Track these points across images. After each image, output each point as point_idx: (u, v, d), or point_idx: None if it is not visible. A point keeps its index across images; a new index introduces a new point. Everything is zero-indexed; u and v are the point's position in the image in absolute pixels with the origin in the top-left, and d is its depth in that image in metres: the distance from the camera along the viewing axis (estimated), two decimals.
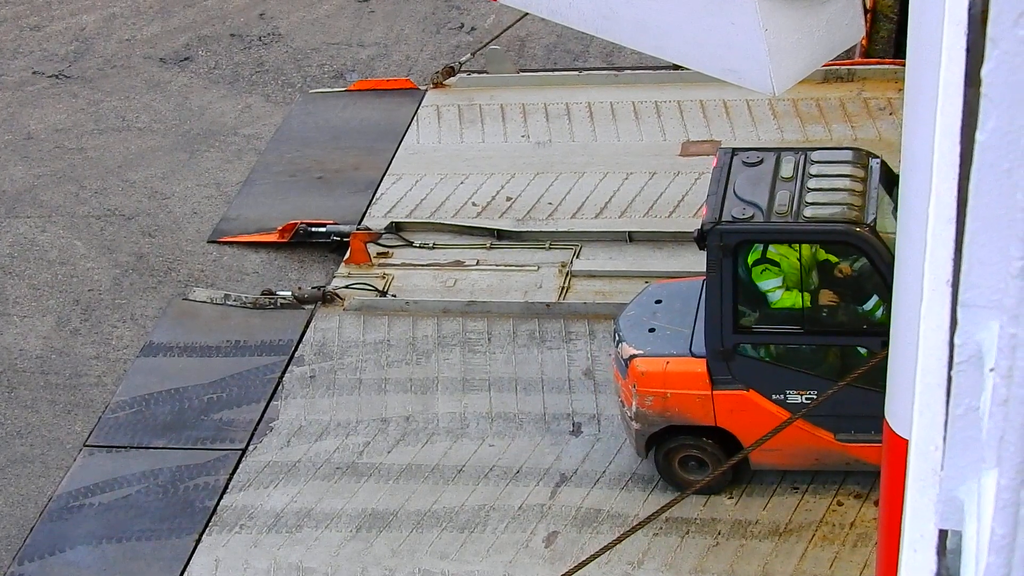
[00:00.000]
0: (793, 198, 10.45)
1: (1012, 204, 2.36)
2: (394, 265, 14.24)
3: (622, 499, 11.49)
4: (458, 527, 11.47)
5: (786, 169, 10.67)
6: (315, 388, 13.03)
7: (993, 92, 2.39)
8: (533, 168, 15.20)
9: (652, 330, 11.21)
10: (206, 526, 11.84)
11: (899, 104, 15.10)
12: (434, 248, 14.32)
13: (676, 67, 15.02)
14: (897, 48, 15.62)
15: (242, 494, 12.08)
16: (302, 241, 14.87)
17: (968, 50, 3.66)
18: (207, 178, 16.14)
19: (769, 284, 10.56)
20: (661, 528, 11.09)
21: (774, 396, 10.84)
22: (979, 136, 2.41)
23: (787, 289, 10.56)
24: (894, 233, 10.64)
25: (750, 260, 10.58)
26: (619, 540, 10.09)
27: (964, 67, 3.62)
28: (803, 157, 10.80)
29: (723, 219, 10.41)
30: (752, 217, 10.40)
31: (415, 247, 14.38)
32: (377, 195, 15.12)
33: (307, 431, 12.58)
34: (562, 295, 13.46)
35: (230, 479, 12.23)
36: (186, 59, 18.56)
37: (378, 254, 14.34)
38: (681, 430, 11.15)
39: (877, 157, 10.89)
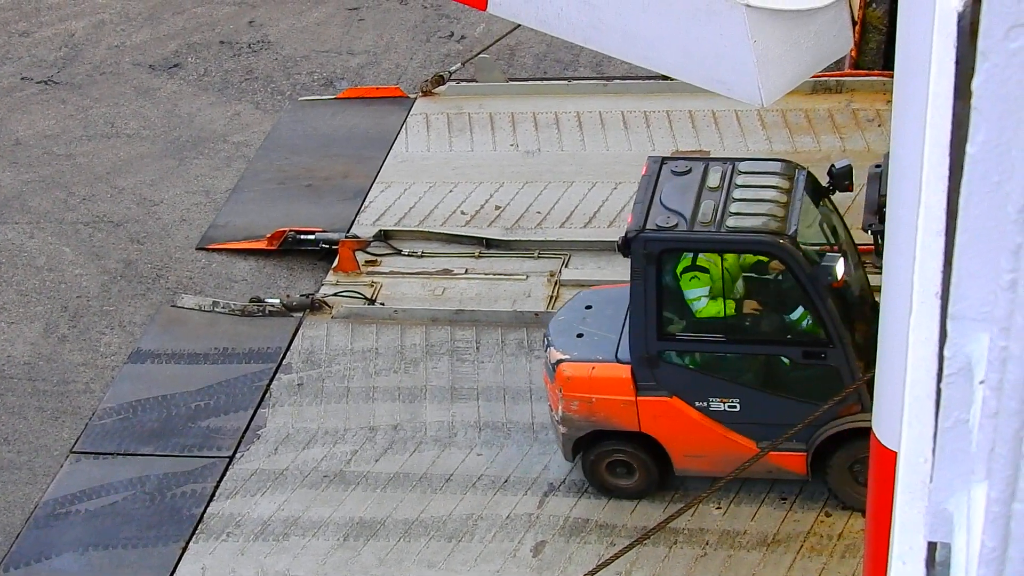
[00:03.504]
0: (717, 208, 10.58)
1: (1002, 216, 2.37)
2: (383, 273, 14.23)
3: (610, 509, 11.49)
4: (446, 536, 11.46)
5: (713, 179, 10.79)
6: (303, 396, 13.01)
7: (983, 104, 2.39)
8: (522, 177, 15.20)
9: (580, 335, 11.34)
10: (193, 534, 11.82)
11: (887, 115, 15.10)
12: (423, 256, 14.32)
13: (665, 77, 15.03)
14: (886, 59, 15.65)
15: (229, 502, 12.06)
16: (291, 249, 14.85)
17: (957, 62, 3.67)
18: (196, 185, 16.12)
19: (695, 293, 10.69)
20: (649, 538, 11.08)
21: (698, 403, 10.97)
22: (969, 149, 2.42)
23: (713, 298, 10.66)
24: (815, 244, 10.76)
25: (679, 268, 10.69)
26: (616, 557, 10.10)
27: (953, 79, 3.63)
28: (731, 167, 10.92)
29: (647, 227, 10.57)
30: (676, 226, 10.54)
31: (404, 255, 14.38)
32: (366, 203, 15.11)
33: (295, 439, 12.56)
34: (551, 304, 13.45)
35: (217, 487, 12.21)
36: (175, 66, 18.54)
37: (366, 262, 14.33)
38: (607, 435, 11.25)
39: (804, 169, 11.03)
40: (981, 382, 2.39)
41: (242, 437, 12.67)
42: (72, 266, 15.20)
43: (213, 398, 13.15)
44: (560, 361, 11.19)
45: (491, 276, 13.96)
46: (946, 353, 2.52)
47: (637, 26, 8.84)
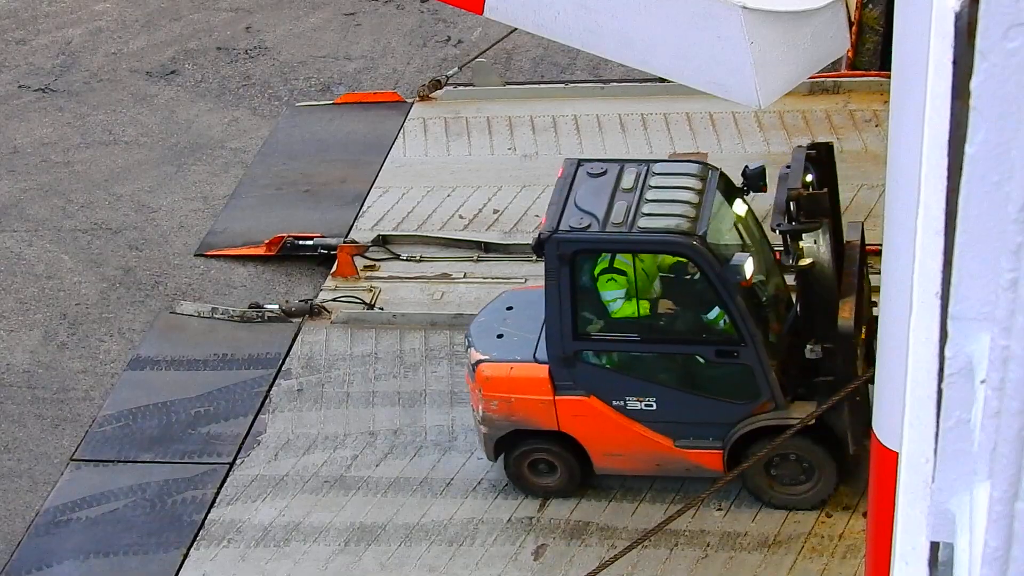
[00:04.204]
0: (630, 209, 10.68)
1: (1002, 216, 2.37)
2: (381, 278, 14.23)
3: (610, 512, 11.49)
4: (447, 540, 11.46)
5: (627, 180, 10.92)
6: (303, 401, 13.01)
7: (982, 104, 2.39)
8: (520, 180, 15.21)
9: (500, 336, 11.46)
10: (194, 540, 11.81)
11: (885, 116, 15.13)
12: (421, 261, 14.32)
13: (662, 80, 15.04)
14: (883, 60, 15.66)
15: (230, 508, 12.05)
16: (289, 254, 14.85)
17: (955, 62, 3.67)
18: (194, 191, 16.13)
19: (612, 295, 10.79)
20: (650, 540, 11.07)
21: (615, 402, 11.07)
22: (968, 149, 2.42)
23: (629, 299, 10.76)
24: (727, 243, 10.87)
25: (597, 270, 10.78)
26: (616, 558, 10.09)
27: (951, 79, 3.63)
28: (645, 169, 11.05)
29: (560, 229, 10.67)
30: (589, 227, 10.65)
31: (402, 260, 14.38)
32: (364, 208, 15.12)
33: (295, 444, 12.56)
34: None
35: (217, 493, 12.21)
36: (172, 72, 18.54)
37: (365, 267, 14.33)
38: (528, 434, 11.36)
39: (717, 169, 11.13)
40: (982, 382, 2.39)
41: (242, 443, 12.67)
42: (71, 273, 15.20)
43: (213, 404, 13.14)
44: (479, 361, 11.30)
45: (489, 280, 13.96)
46: (947, 353, 2.53)
47: (634, 29, 8.84)
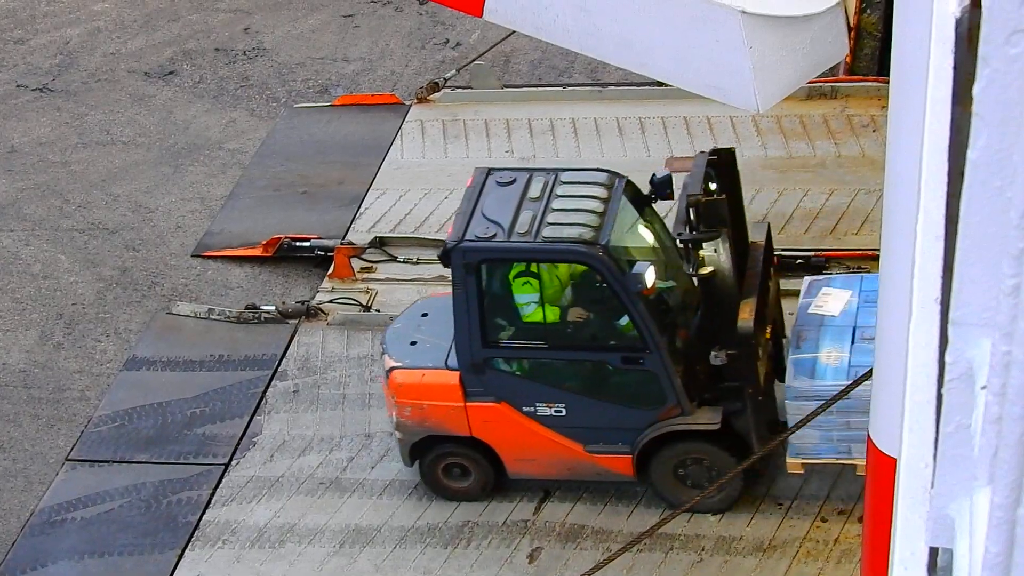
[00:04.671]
0: (536, 218, 10.81)
1: (1004, 222, 2.37)
2: (378, 280, 14.22)
3: (606, 515, 11.49)
4: (442, 543, 11.46)
5: (535, 190, 11.03)
6: (299, 403, 13.01)
7: (984, 110, 2.40)
8: None
9: (414, 343, 11.60)
10: (189, 541, 11.81)
11: (883, 121, 15.14)
12: (418, 263, 14.31)
13: (660, 83, 15.04)
14: (881, 65, 15.66)
15: (225, 509, 12.05)
16: (286, 255, 14.84)
17: (955, 68, 3.68)
18: (191, 192, 16.12)
19: (525, 298, 10.91)
20: (645, 544, 11.08)
21: (525, 408, 11.19)
22: (970, 154, 2.42)
23: (541, 304, 10.85)
24: (633, 252, 11.03)
25: (512, 273, 10.91)
26: (609, 560, 10.09)
27: (952, 85, 3.64)
28: (553, 177, 11.17)
29: (466, 238, 10.79)
30: (494, 236, 10.77)
31: (399, 262, 14.37)
32: (361, 210, 15.12)
33: (290, 446, 12.56)
34: None
35: (213, 494, 12.20)
36: (171, 73, 18.54)
37: (362, 269, 14.33)
38: (441, 440, 11.49)
39: (623, 178, 11.23)
40: (983, 387, 2.39)
41: (238, 444, 12.66)
42: (67, 273, 15.19)
43: (209, 405, 13.14)
44: (393, 368, 11.43)
45: None
46: (948, 358, 2.53)
47: (632, 32, 8.84)
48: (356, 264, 14.32)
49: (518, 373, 11.26)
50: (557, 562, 11.17)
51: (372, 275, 14.30)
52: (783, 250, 13.51)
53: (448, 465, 11.67)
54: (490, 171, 11.43)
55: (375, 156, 15.98)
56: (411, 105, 16.71)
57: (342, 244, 14.50)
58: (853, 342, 10.73)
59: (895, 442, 3.17)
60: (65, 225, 15.87)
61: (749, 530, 11.21)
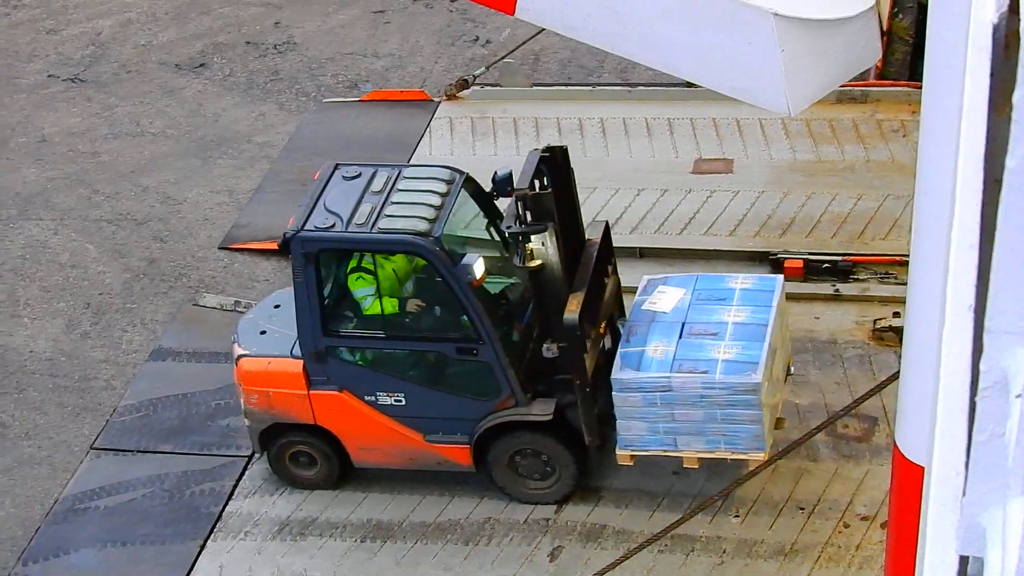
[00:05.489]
0: (374, 210, 11.11)
1: None
2: None
3: (627, 516, 11.48)
4: (463, 539, 11.47)
5: (377, 183, 11.36)
6: None
7: (1023, 118, 2.39)
8: None
9: (263, 332, 11.86)
10: (211, 532, 11.84)
11: (913, 126, 15.10)
12: None
13: (690, 84, 15.02)
14: (912, 70, 15.62)
15: (247, 501, 12.08)
16: None
17: (992, 75, 3.66)
18: (219, 185, 16.17)
19: (361, 292, 11.17)
20: (666, 545, 11.08)
21: (367, 397, 11.44)
22: (1009, 162, 2.41)
23: (379, 297, 11.13)
24: (471, 245, 11.40)
25: (349, 267, 11.18)
26: (626, 557, 10.10)
27: (988, 93, 3.63)
28: (396, 173, 11.52)
29: (305, 228, 11.08)
30: (332, 227, 11.05)
31: None
32: None
33: None
34: None
35: (235, 485, 12.24)
36: (201, 66, 18.59)
37: None
38: (288, 427, 11.74)
39: (464, 174, 11.60)
40: (1018, 396, 2.39)
41: None
42: (95, 263, 15.25)
43: (233, 397, 13.11)
44: (240, 356, 11.72)
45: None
46: (982, 367, 2.52)
47: (663, 33, 8.83)
48: None
49: (359, 362, 11.48)
50: (577, 561, 11.17)
51: None
52: (810, 254, 13.50)
53: (295, 453, 11.91)
54: (338, 165, 11.73)
55: (403, 152, 15.99)
56: (440, 102, 16.72)
57: None
58: (680, 337, 10.94)
59: (923, 450, 3.16)
60: (94, 215, 15.94)
61: (770, 533, 11.19)
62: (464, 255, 10.88)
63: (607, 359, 11.13)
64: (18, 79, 18.77)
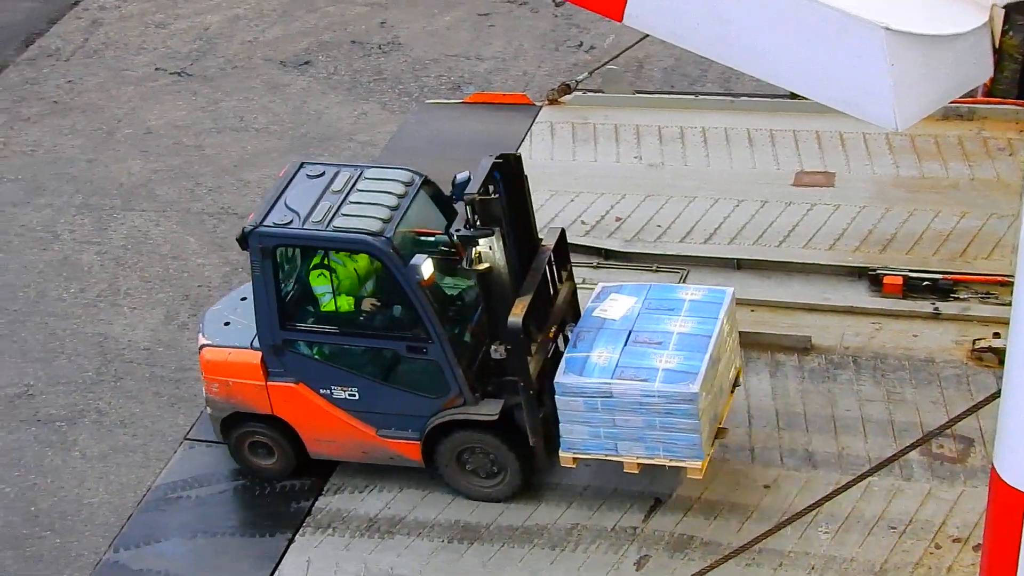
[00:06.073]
0: (332, 209, 11.38)
1: None
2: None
3: (716, 527, 11.41)
4: (549, 544, 11.46)
5: (338, 183, 11.65)
6: None
7: None
8: (644, 190, 15.16)
9: (228, 323, 12.21)
10: (299, 526, 11.92)
11: (1020, 145, 14.89)
12: None
13: (793, 96, 14.91)
14: (1021, 89, 15.40)
15: (337, 497, 12.15)
16: None
17: None
18: None
19: (321, 289, 11.49)
20: (754, 559, 11.00)
21: (322, 391, 11.71)
22: None
23: (337, 294, 11.44)
24: (422, 243, 11.68)
25: (311, 264, 11.52)
26: (711, 567, 10.04)
27: None
28: (359, 173, 11.81)
29: (264, 224, 11.37)
30: (290, 223, 11.33)
31: None
32: None
33: None
34: None
35: (326, 481, 12.31)
36: (306, 63, 18.75)
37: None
38: (247, 417, 12.05)
39: (423, 176, 11.89)
40: None
41: None
42: (195, 255, 15.43)
43: None
44: (203, 346, 12.08)
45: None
46: None
47: (771, 43, 8.75)
48: None
49: (315, 357, 11.75)
50: (664, 571, 11.11)
51: None
52: (912, 271, 13.34)
53: (254, 443, 12.18)
54: (303, 164, 12.02)
55: None
56: (542, 106, 16.73)
57: None
58: (626, 344, 11.13)
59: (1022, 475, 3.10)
60: (195, 208, 16.13)
61: (860, 551, 11.07)
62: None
63: (557, 363, 11.33)
64: (126, 71, 19.06)
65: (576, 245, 14.36)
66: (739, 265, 13.91)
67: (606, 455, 11.21)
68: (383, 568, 11.43)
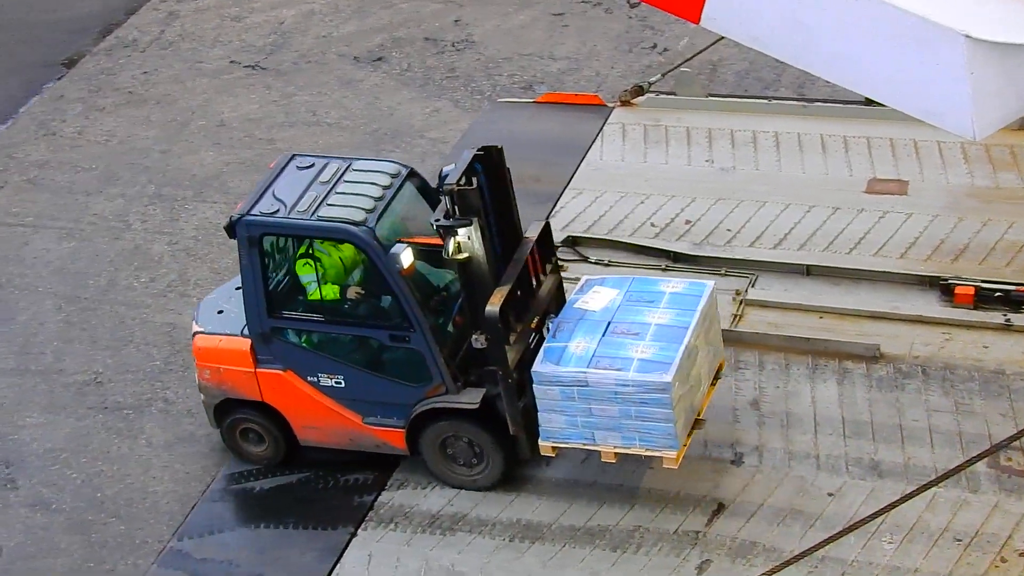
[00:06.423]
0: (318, 199, 11.64)
1: None
2: (568, 279, 14.22)
3: (779, 533, 11.35)
4: (611, 546, 11.44)
5: (326, 174, 11.92)
6: None
7: None
8: (714, 193, 15.11)
9: (221, 312, 12.47)
10: (362, 521, 11.97)
11: None
12: (609, 265, 14.30)
13: (868, 102, 14.81)
14: None
15: (400, 492, 12.19)
16: None
17: None
18: None
19: (307, 278, 11.72)
20: (816, 567, 10.94)
21: (309, 378, 11.95)
22: None
23: (324, 284, 11.66)
24: (406, 233, 11.76)
25: (298, 253, 11.77)
26: (773, 572, 9.99)
27: None
28: (347, 165, 12.05)
29: (251, 213, 11.64)
30: (276, 212, 11.60)
31: (590, 263, 14.38)
32: (556, 208, 15.16)
33: None
34: (734, 323, 13.34)
35: (389, 476, 12.36)
36: (379, 59, 18.82)
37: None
38: (238, 404, 12.30)
39: (409, 169, 12.13)
40: None
41: None
42: None
43: None
44: (196, 333, 12.38)
45: None
46: None
47: (849, 48, 8.71)
48: None
49: (303, 344, 11.95)
50: None
51: (563, 274, 14.29)
52: (984, 281, 13.22)
53: (245, 429, 12.43)
54: (294, 155, 12.27)
55: (574, 156, 16.02)
56: (614, 107, 16.72)
57: None
58: (604, 335, 11.25)
59: None
60: None
61: (924, 562, 10.98)
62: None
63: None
64: (201, 63, 19.21)
65: (645, 247, 14.36)
66: (808, 271, 13.84)
67: (584, 444, 11.35)
68: (444, 564, 11.46)
